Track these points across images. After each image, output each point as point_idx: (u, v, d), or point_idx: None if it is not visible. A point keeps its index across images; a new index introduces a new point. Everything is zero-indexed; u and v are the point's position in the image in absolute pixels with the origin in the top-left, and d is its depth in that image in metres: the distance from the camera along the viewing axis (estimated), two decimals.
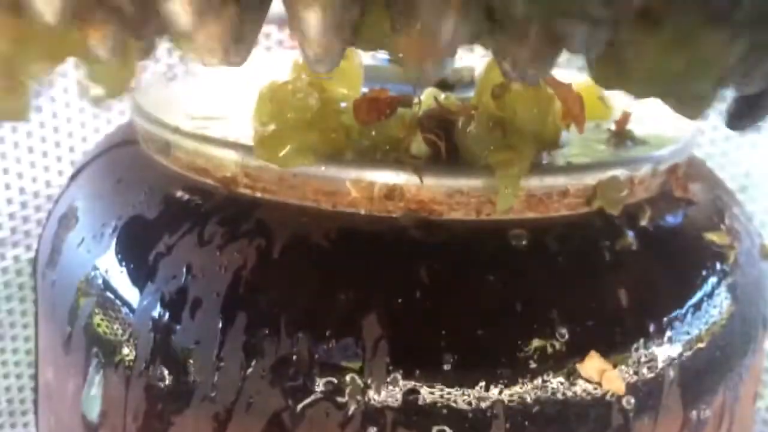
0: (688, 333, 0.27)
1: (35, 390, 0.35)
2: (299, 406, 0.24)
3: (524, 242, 0.26)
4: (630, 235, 0.27)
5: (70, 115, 0.56)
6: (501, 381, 0.24)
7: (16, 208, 0.57)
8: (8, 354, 0.59)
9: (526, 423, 0.24)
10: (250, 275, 0.25)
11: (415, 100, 0.29)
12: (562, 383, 0.24)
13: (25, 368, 0.60)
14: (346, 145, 0.27)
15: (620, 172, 0.28)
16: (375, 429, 0.24)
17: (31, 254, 0.57)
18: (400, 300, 0.24)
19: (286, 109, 0.26)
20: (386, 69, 0.34)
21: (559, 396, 0.24)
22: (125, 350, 0.26)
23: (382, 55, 0.35)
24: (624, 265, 0.27)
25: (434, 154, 0.27)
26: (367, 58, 0.34)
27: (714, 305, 0.28)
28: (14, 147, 0.55)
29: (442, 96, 0.28)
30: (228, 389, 0.24)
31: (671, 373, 0.26)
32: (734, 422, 0.29)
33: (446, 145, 0.26)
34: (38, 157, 0.57)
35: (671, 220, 0.29)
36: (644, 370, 0.25)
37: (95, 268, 0.28)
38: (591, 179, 0.27)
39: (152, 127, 0.30)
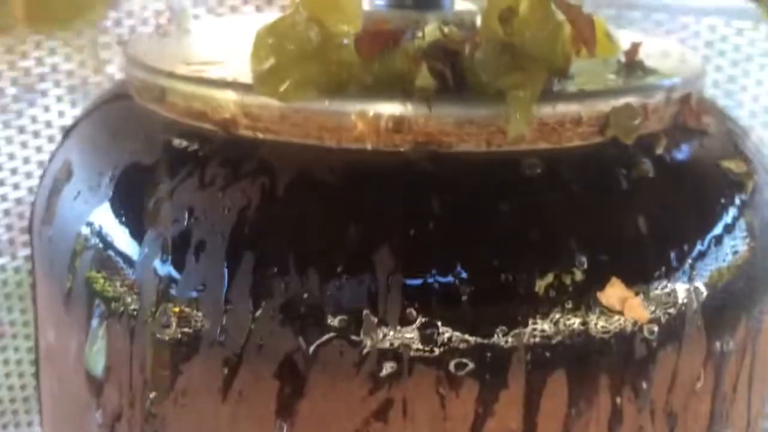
0: (709, 262, 0.26)
1: (36, 361, 0.34)
2: (312, 347, 0.23)
3: (538, 171, 0.25)
4: (646, 163, 0.26)
5: (50, 118, 0.55)
6: (520, 313, 0.23)
7: None
8: (9, 352, 0.59)
9: (547, 354, 0.23)
10: (254, 215, 0.24)
11: (419, 33, 0.28)
12: (583, 313, 0.23)
13: (27, 366, 0.60)
14: (349, 80, 0.26)
15: (633, 100, 0.27)
16: (391, 367, 0.23)
17: (16, 263, 0.56)
18: (412, 233, 0.23)
19: (286, 43, 0.25)
20: (383, 14, 0.33)
21: (580, 326, 0.23)
22: (128, 300, 0.25)
23: (379, 1, 0.34)
24: (642, 193, 0.26)
25: (441, 85, 0.26)
26: (364, 4, 0.33)
27: (735, 234, 0.27)
28: None
29: (446, 29, 0.27)
30: (237, 333, 0.23)
31: (694, 302, 0.25)
32: (757, 355, 0.29)
33: (453, 76, 0.25)
34: (20, 163, 0.56)
35: (687, 149, 0.28)
36: (667, 300, 0.25)
37: (93, 219, 0.27)
38: (604, 106, 0.26)
39: (146, 75, 0.29)
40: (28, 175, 0.56)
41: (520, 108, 0.24)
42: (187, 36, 0.36)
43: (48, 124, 0.56)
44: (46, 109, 0.56)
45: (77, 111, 0.55)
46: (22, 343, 0.59)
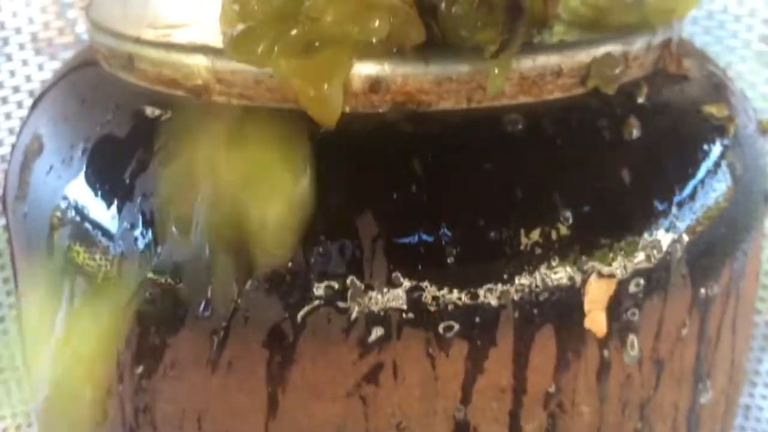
0: (693, 209, 0.26)
1: (20, 332, 0.34)
2: (299, 315, 0.23)
3: (520, 127, 0.24)
4: (628, 112, 0.26)
5: (17, 83, 0.54)
6: (506, 271, 0.23)
7: None
8: None
9: (535, 311, 0.23)
10: None
11: None
12: (569, 268, 0.23)
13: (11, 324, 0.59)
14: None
15: (614, 48, 0.26)
16: (380, 331, 0.23)
17: None
18: (394, 196, 0.23)
19: (252, 4, 0.24)
20: None
21: (567, 281, 0.23)
22: (110, 275, 0.25)
23: None
24: (624, 144, 0.25)
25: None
26: None
27: (717, 179, 0.27)
28: None
29: None
30: (223, 304, 0.23)
31: (678, 250, 0.25)
32: (740, 299, 0.29)
33: (430, 32, 0.25)
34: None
35: (669, 95, 0.28)
36: (652, 249, 0.25)
37: (68, 193, 0.26)
38: (584, 57, 0.26)
39: (112, 41, 0.28)
40: None
41: (499, 63, 0.23)
42: None
43: (15, 89, 0.54)
44: (12, 74, 0.54)
45: (45, 74, 0.54)
46: (6, 313, 0.59)
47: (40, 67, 0.53)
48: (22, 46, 0.53)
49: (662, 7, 0.27)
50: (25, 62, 0.53)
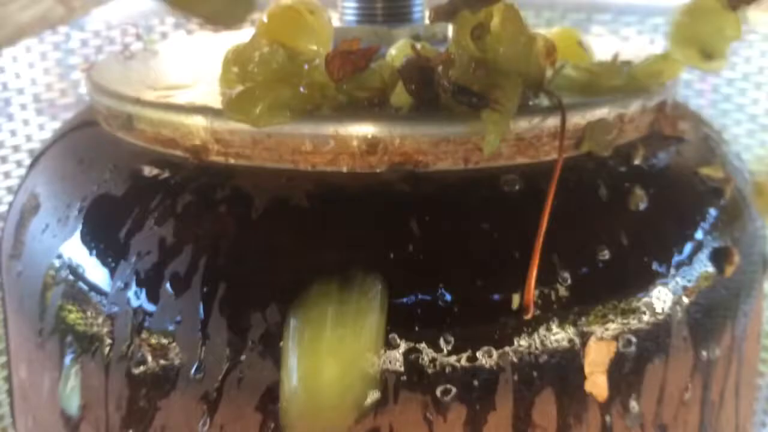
0: (692, 271, 0.26)
1: (10, 393, 0.33)
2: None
3: (517, 187, 0.24)
4: (625, 174, 0.26)
5: (18, 142, 0.54)
6: (505, 332, 0.23)
7: None
8: None
9: (535, 374, 0.23)
10: (229, 243, 0.24)
11: (392, 51, 0.27)
12: (569, 330, 0.23)
13: (4, 396, 0.58)
14: (322, 101, 0.25)
15: (609, 111, 0.27)
16: (376, 394, 0.22)
17: None
18: (392, 256, 0.23)
19: (252, 67, 0.24)
20: (354, 30, 0.33)
21: (567, 343, 0.23)
22: (102, 335, 0.24)
23: (350, 17, 0.34)
24: (621, 205, 0.25)
25: (416, 103, 0.25)
26: (334, 20, 0.32)
27: (716, 241, 0.27)
28: None
29: (418, 45, 0.27)
30: (216, 366, 0.23)
31: (678, 312, 0.25)
32: (743, 361, 0.28)
33: (428, 94, 0.25)
34: None
35: (665, 157, 0.28)
36: (652, 311, 0.24)
37: (63, 252, 0.26)
38: (580, 119, 0.26)
39: (112, 102, 0.28)
40: None
41: (496, 124, 0.24)
42: (154, 58, 0.35)
43: (16, 149, 0.55)
44: (13, 133, 0.55)
45: (46, 134, 0.54)
46: None
47: (41, 127, 0.53)
48: (23, 107, 0.54)
49: (648, 70, 0.27)
50: (26, 122, 0.53)
